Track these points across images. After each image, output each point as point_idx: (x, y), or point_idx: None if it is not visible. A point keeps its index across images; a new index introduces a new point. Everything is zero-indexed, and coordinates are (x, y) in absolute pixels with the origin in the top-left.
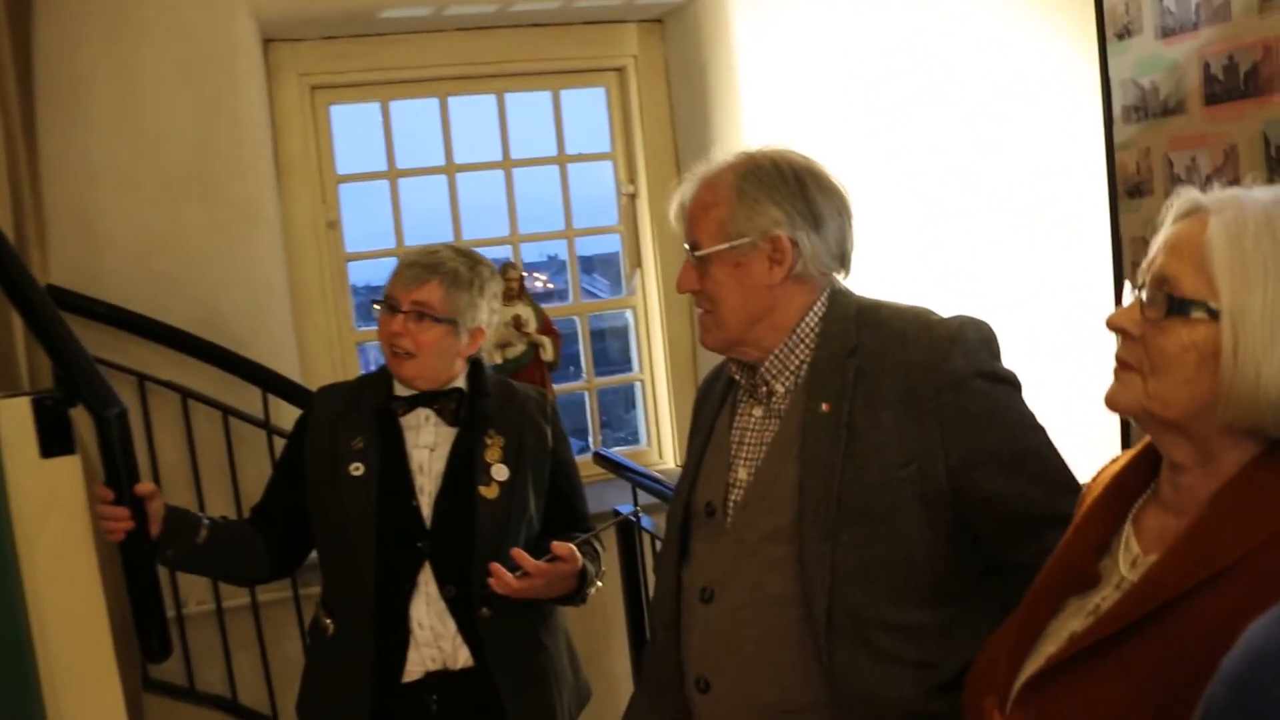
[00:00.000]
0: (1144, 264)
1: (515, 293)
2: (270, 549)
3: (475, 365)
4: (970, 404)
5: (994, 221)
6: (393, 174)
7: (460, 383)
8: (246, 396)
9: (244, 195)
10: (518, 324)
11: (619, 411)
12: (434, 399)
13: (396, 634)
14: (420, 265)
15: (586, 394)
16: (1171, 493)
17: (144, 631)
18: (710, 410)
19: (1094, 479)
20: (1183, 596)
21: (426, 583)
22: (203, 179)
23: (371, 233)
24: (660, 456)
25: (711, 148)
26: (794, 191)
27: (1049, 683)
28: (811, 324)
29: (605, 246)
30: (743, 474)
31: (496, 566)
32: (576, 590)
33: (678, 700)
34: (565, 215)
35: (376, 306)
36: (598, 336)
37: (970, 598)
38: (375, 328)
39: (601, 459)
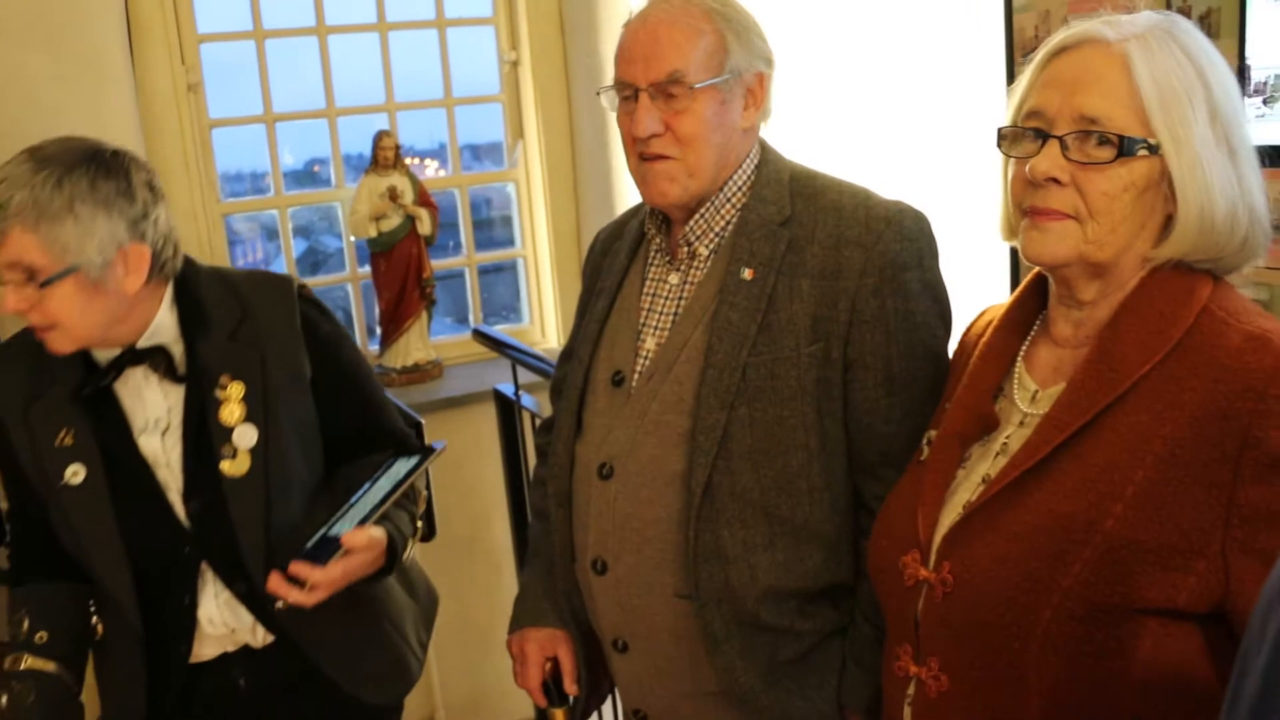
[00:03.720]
0: (1033, 101)
1: (390, 162)
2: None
3: (182, 290)
4: (890, 298)
5: (889, 84)
6: (259, 34)
7: (163, 332)
8: None
9: (90, 48)
10: (393, 195)
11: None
12: (139, 356)
13: (181, 641)
14: None
15: (467, 270)
16: (1068, 328)
17: None
18: (615, 271)
19: (969, 330)
20: (1094, 419)
21: (212, 583)
22: (41, 24)
23: (239, 98)
24: (543, 335)
25: (600, 13)
26: (760, 29)
27: (971, 527)
28: (740, 182)
29: (494, 133)
30: (650, 343)
31: (278, 585)
32: (388, 565)
33: (570, 581)
34: (445, 83)
35: None
36: (485, 225)
37: (855, 519)
38: (246, 198)
39: (481, 335)
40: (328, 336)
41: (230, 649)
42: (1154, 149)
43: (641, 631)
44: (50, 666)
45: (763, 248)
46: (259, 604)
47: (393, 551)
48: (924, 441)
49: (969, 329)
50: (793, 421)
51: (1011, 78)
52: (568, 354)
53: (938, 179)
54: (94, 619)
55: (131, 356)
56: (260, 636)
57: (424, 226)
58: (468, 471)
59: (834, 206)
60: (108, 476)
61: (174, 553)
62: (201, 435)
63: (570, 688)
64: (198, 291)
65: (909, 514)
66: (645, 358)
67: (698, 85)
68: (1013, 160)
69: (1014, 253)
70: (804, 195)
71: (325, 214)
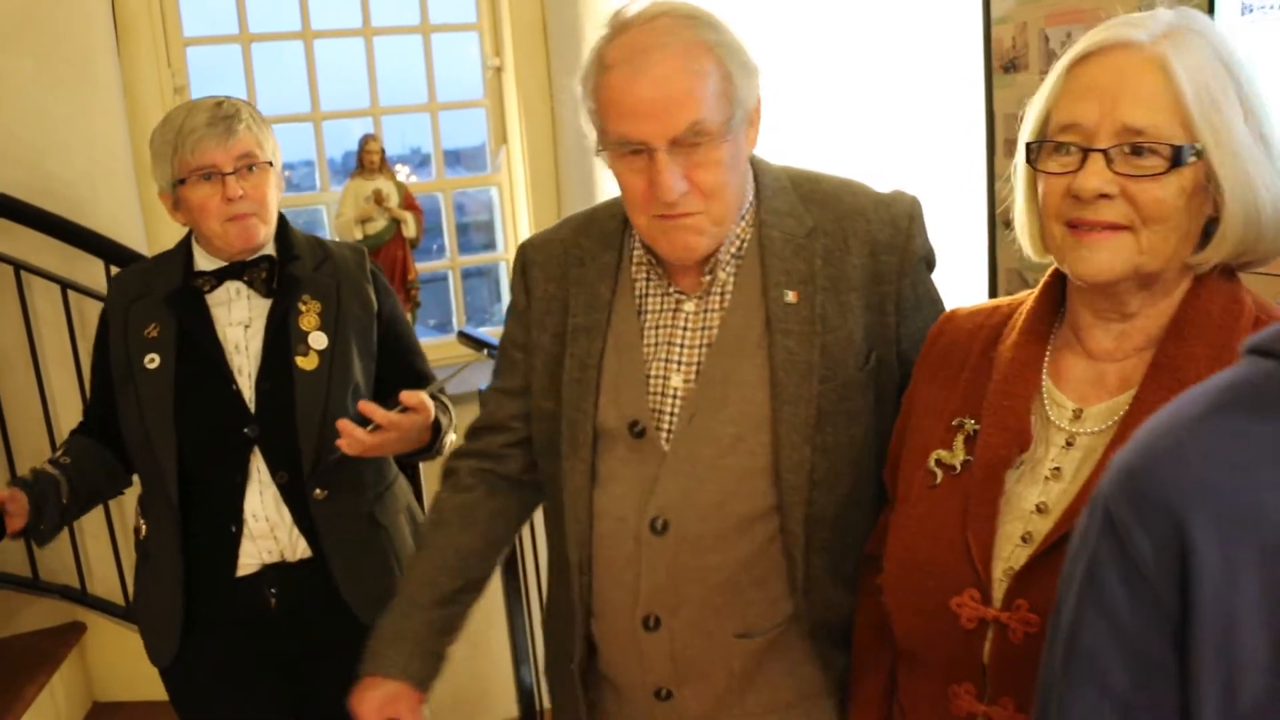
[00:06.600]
0: (1066, 114)
1: (376, 166)
2: (121, 459)
3: (282, 225)
4: (919, 287)
5: (868, 93)
6: (245, 38)
7: (269, 247)
8: (88, 270)
9: (77, 51)
10: (379, 198)
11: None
12: (243, 269)
13: (227, 529)
14: (222, 119)
15: (450, 273)
16: (1108, 342)
17: None
18: (596, 307)
19: (941, 342)
20: None
21: (259, 471)
22: (29, 30)
23: None
24: None
25: (583, 20)
26: (743, 44)
27: (1050, 563)
28: (745, 197)
29: (472, 139)
30: (677, 380)
31: (346, 424)
32: (431, 443)
33: (570, 639)
34: (429, 89)
35: (184, 185)
36: (462, 230)
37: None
38: None
39: (466, 337)
40: (388, 288)
41: (269, 559)
42: (1199, 153)
43: (693, 676)
44: (53, 470)
45: (797, 265)
46: (298, 499)
47: (436, 429)
48: (930, 463)
49: (941, 341)
50: (859, 440)
51: (990, 89)
52: (541, 409)
53: (919, 188)
54: (141, 522)
55: (237, 269)
56: (296, 546)
57: (409, 230)
58: None
59: (857, 210)
60: (178, 366)
61: (233, 432)
62: (281, 333)
63: None
64: (293, 235)
65: (951, 549)
66: (676, 398)
67: (720, 131)
68: (1044, 175)
69: (992, 254)
70: (815, 200)
71: (309, 217)
